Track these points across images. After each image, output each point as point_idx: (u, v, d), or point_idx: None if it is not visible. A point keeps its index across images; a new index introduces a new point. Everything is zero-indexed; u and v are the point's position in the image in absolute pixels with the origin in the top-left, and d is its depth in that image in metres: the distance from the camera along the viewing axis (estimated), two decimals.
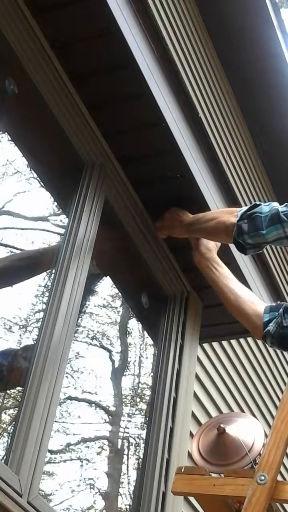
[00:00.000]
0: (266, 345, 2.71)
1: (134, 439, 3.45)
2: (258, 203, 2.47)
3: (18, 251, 2.73)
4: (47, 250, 2.72)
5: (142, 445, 3.12)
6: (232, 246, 2.78)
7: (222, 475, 2.18)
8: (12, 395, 2.73)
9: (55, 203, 2.79)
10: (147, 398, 3.32)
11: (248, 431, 2.33)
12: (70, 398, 3.05)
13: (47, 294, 2.46)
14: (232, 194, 3.30)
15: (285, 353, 5.18)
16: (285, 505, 3.60)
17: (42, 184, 2.71)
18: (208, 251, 2.74)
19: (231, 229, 2.48)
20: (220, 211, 2.71)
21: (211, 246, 2.76)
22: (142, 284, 3.16)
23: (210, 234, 2.68)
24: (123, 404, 3.43)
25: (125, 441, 3.46)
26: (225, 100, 4.30)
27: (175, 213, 2.80)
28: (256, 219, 2.41)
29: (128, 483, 3.38)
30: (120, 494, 3.39)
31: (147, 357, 3.49)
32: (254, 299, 2.60)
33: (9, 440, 2.24)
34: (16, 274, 2.63)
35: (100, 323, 3.32)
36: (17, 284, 2.72)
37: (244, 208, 2.48)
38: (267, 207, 2.42)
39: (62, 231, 2.60)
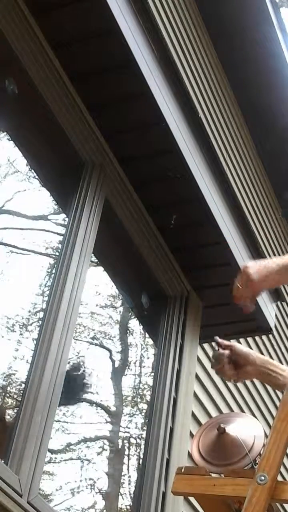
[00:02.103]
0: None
1: (135, 439, 3.45)
2: None
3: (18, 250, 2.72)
4: None
5: (142, 445, 3.12)
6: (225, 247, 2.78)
7: (222, 475, 2.18)
8: (12, 395, 2.73)
9: (55, 203, 2.79)
10: (147, 398, 3.32)
11: (248, 431, 2.32)
12: (70, 398, 3.05)
13: (47, 293, 2.46)
14: (232, 194, 3.30)
15: (285, 353, 5.18)
16: (285, 505, 3.60)
17: (42, 183, 2.71)
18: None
19: None
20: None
21: None
22: (142, 284, 3.16)
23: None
24: (124, 404, 3.43)
25: (125, 441, 3.45)
26: (225, 100, 4.30)
27: (246, 278, 2.19)
28: None
29: (129, 483, 3.38)
30: (120, 494, 3.39)
31: (147, 357, 3.49)
32: None
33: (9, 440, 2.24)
34: None
35: (101, 323, 3.31)
36: (18, 283, 2.72)
37: None
38: None
39: (62, 230, 2.60)
